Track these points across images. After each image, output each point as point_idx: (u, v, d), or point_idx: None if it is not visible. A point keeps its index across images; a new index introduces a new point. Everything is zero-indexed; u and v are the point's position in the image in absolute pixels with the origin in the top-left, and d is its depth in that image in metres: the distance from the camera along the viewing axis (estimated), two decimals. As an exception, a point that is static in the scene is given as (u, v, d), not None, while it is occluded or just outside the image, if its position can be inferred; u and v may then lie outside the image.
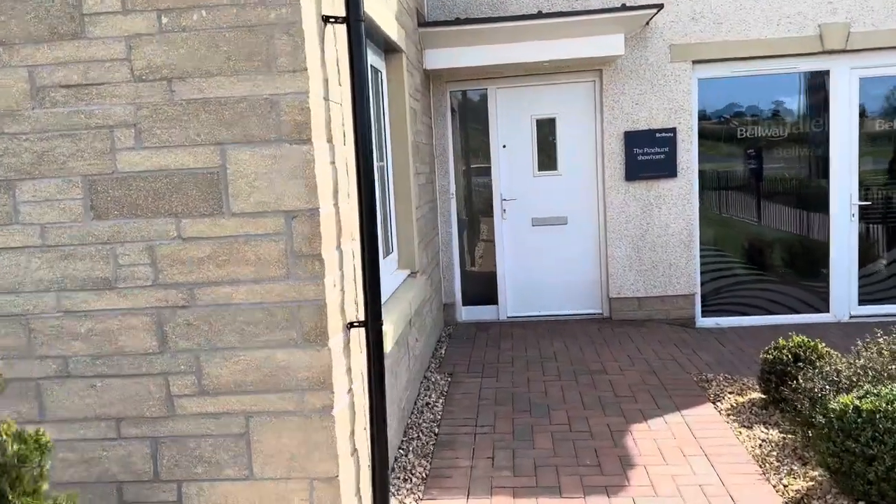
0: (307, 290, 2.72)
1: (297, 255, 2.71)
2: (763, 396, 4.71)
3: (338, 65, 3.09)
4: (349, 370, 3.05)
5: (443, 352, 6.19)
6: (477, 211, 7.31)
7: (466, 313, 7.36)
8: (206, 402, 2.81)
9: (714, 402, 4.75)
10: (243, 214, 2.71)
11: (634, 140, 6.81)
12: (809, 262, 7.01)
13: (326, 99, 2.88)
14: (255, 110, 2.66)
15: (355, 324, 3.08)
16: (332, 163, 2.93)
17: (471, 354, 6.08)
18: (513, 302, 7.30)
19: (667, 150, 6.79)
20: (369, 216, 2.98)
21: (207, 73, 2.66)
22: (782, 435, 4.17)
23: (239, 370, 2.78)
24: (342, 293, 2.99)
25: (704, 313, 7.08)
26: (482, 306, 7.34)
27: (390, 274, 4.83)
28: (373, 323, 3.02)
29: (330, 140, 2.91)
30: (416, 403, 4.90)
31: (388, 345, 3.68)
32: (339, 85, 3.11)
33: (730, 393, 4.90)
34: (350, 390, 3.05)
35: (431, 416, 4.68)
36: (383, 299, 4.33)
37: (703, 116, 6.91)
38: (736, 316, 7.04)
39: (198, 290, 2.75)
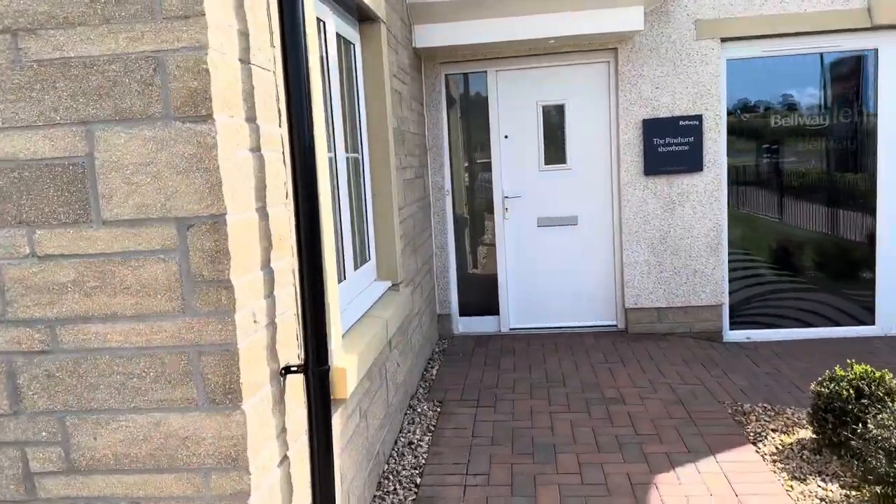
0: (209, 331, 1.92)
1: (195, 279, 1.91)
2: (814, 436, 3.89)
3: (269, 16, 2.28)
4: (283, 432, 2.25)
5: (433, 373, 5.39)
6: (476, 210, 6.50)
7: (464, 325, 6.55)
8: (76, 482, 2.02)
9: (755, 443, 3.93)
10: (119, 223, 1.91)
11: (654, 129, 5.98)
12: (851, 268, 6.16)
13: (246, 61, 2.08)
14: (133, 74, 1.86)
15: (293, 369, 2.28)
16: (256, 150, 2.13)
17: (466, 376, 5.27)
18: (516, 312, 6.49)
19: (691, 140, 5.95)
20: (309, 226, 2.18)
21: (67, 22, 1.86)
22: (845, 492, 3.35)
23: (120, 440, 1.99)
24: (272, 329, 2.19)
25: (733, 325, 6.25)
26: (481, 317, 6.53)
27: (366, 287, 4.04)
28: (315, 368, 2.23)
29: (253, 119, 2.11)
30: (396, 442, 4.11)
31: (352, 383, 2.88)
32: (273, 46, 2.31)
33: (773, 430, 4.08)
34: (285, 460, 2.26)
35: (414, 461, 3.88)
36: (354, 319, 3.54)
37: (731, 103, 6.07)
38: (768, 328, 6.21)
39: (61, 328, 1.96)
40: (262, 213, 2.16)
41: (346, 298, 3.56)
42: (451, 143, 6.39)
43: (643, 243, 6.12)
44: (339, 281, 3.54)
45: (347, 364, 2.81)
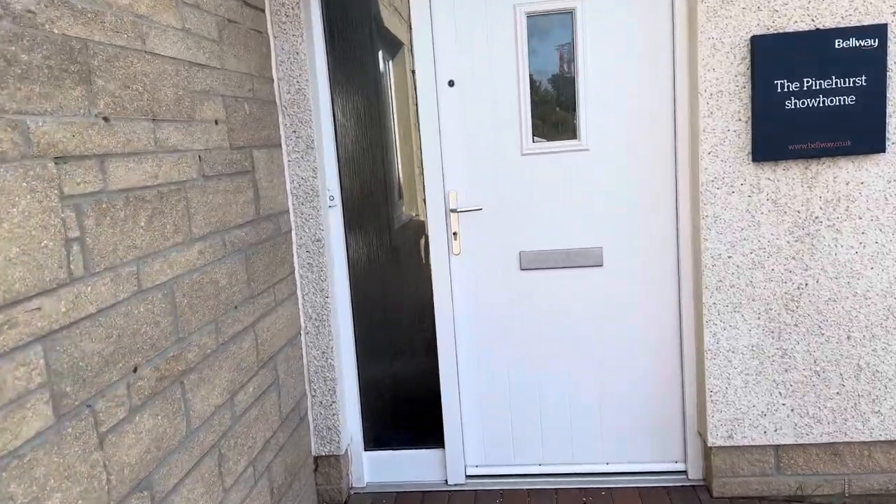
0: None
1: None
2: None
3: None
4: None
5: None
6: (397, 235, 3.21)
7: (375, 470, 3.29)
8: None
9: None
10: None
11: (776, 58, 2.68)
12: None
13: None
14: None
15: None
16: None
17: None
18: (478, 442, 3.23)
19: (861, 81, 2.66)
20: None
21: None
22: None
23: None
24: None
25: (925, 470, 2.99)
26: (411, 451, 3.26)
27: None
28: None
29: None
30: None
31: None
32: None
33: None
34: None
35: None
36: None
37: (932, 2, 2.77)
38: None
39: None
40: None
41: None
42: (334, 97, 3.09)
43: (748, 309, 2.84)
44: None
45: None
